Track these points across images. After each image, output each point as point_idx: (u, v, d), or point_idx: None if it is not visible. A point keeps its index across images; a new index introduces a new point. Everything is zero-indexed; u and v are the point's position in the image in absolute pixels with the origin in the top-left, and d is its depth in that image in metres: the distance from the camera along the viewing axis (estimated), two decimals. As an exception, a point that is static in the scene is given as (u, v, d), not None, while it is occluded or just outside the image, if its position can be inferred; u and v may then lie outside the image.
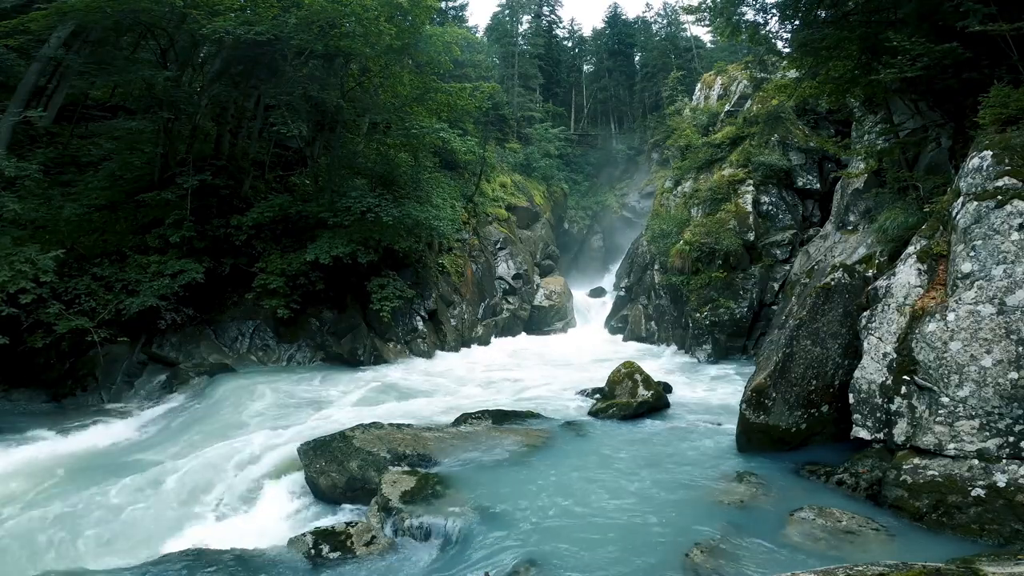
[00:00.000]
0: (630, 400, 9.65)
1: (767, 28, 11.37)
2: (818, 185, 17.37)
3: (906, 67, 7.77)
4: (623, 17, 48.28)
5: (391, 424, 8.18)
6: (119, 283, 11.87)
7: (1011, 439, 5.26)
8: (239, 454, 7.79)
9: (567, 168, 37.86)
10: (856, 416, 6.42)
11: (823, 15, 10.05)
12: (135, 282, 11.92)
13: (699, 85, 26.25)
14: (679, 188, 20.56)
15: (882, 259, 9.12)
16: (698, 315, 15.95)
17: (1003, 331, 5.45)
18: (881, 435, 6.16)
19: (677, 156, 22.75)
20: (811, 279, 12.25)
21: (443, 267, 18.59)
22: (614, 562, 4.82)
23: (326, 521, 6.29)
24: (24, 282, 9.88)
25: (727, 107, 21.95)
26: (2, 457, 7.96)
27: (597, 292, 27.53)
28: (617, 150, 40.20)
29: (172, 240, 12.55)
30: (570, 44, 51.10)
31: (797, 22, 10.68)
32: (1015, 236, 5.61)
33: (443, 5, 33.22)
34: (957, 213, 6.29)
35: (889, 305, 6.56)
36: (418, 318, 16.33)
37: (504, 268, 22.64)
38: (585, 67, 50.34)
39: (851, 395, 6.52)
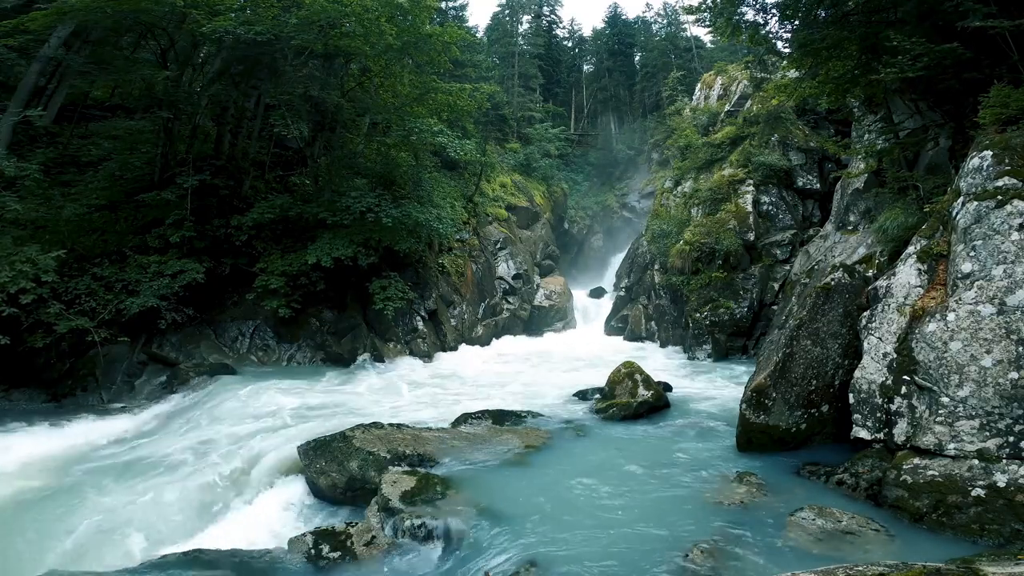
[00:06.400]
0: (630, 400, 9.65)
1: (767, 28, 11.37)
2: (818, 185, 17.38)
3: (907, 67, 7.77)
4: (623, 17, 48.36)
5: (391, 424, 8.17)
6: (119, 283, 11.87)
7: (1011, 439, 5.26)
8: (239, 454, 7.79)
9: (567, 168, 37.88)
10: (856, 416, 6.42)
11: (823, 15, 10.04)
12: (135, 282, 11.92)
13: (699, 85, 26.26)
14: (679, 188, 20.57)
15: (882, 259, 9.13)
16: (698, 315, 15.95)
17: (1003, 331, 5.45)
18: (881, 435, 6.16)
19: (677, 156, 22.77)
20: (811, 279, 12.25)
21: (443, 267, 18.59)
22: (614, 562, 4.82)
23: (326, 521, 6.29)
24: (25, 282, 9.88)
25: (727, 107, 21.96)
26: (1, 456, 7.96)
27: (597, 292, 27.52)
28: (617, 150, 40.20)
29: (172, 240, 12.55)
30: (570, 44, 51.16)
31: (797, 22, 10.68)
32: (1015, 236, 5.61)
33: (443, 5, 33.23)
34: (957, 213, 6.29)
35: (889, 305, 6.56)
36: (418, 318, 16.33)
37: (504, 268, 22.64)
38: (585, 67, 50.40)
39: (851, 395, 6.52)
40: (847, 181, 13.62)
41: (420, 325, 16.30)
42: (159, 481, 7.18)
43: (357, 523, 5.77)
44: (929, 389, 5.79)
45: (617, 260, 27.83)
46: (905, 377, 6.02)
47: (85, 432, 9.25)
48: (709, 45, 41.68)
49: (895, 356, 6.20)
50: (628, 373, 10.26)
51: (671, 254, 17.71)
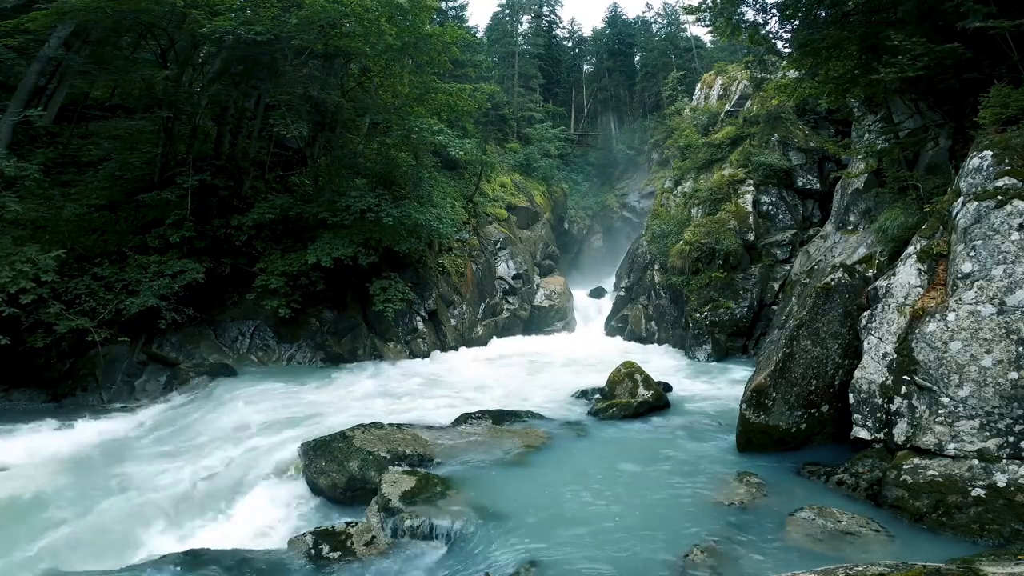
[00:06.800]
0: (630, 400, 9.65)
1: (767, 28, 11.36)
2: (818, 185, 17.37)
3: (907, 67, 7.77)
4: (623, 17, 48.36)
5: (391, 424, 8.18)
6: (119, 283, 11.87)
7: (1011, 439, 5.26)
8: (239, 454, 7.80)
9: (567, 168, 37.85)
10: (856, 416, 6.42)
11: (823, 15, 10.04)
12: (135, 282, 11.92)
13: (699, 85, 26.24)
14: (679, 188, 20.56)
15: (882, 259, 9.14)
16: (698, 315, 15.95)
17: (1003, 331, 5.45)
18: (881, 435, 6.16)
19: (677, 156, 22.75)
20: (811, 279, 12.25)
21: (443, 267, 18.58)
22: (614, 562, 4.82)
23: (326, 521, 6.29)
24: (25, 282, 9.89)
25: (727, 107, 21.94)
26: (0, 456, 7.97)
27: (597, 292, 27.50)
28: (617, 150, 40.20)
29: (172, 240, 12.55)
30: (570, 44, 51.15)
31: (797, 22, 10.67)
32: (1015, 236, 5.61)
33: (443, 5, 33.20)
34: (957, 213, 6.29)
35: (889, 305, 6.56)
36: (418, 318, 16.33)
37: (504, 268, 22.62)
38: (585, 67, 50.39)
39: (851, 395, 6.53)
40: (847, 181, 13.61)
41: (420, 325, 16.30)
42: (158, 481, 7.18)
43: (357, 523, 5.77)
44: (929, 389, 5.79)
45: (617, 260, 27.83)
46: (905, 377, 6.02)
47: (84, 432, 9.24)
48: (709, 45, 41.64)
49: (895, 356, 6.20)
50: (628, 373, 10.26)
51: (671, 254, 17.71)
